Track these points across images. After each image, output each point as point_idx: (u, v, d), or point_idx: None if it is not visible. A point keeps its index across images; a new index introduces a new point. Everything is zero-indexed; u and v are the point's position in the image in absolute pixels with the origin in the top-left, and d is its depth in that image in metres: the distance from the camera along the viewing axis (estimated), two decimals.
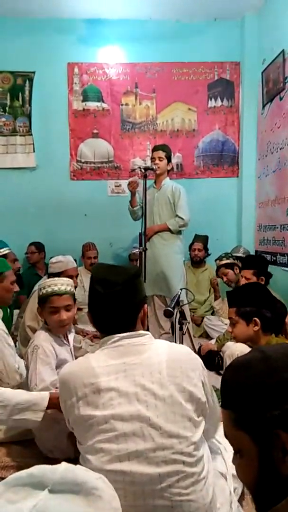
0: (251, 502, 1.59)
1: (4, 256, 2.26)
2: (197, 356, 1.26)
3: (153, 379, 1.12)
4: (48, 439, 1.85)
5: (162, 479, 1.04)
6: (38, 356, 1.80)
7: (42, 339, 1.86)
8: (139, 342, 1.19)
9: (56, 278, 1.96)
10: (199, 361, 1.23)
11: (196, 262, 4.38)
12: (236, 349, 2.79)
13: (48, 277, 2.78)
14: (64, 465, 0.57)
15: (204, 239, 4.37)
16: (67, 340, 2.04)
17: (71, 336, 2.10)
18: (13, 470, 1.81)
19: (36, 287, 3.54)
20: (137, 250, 3.29)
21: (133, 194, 3.60)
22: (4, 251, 3.26)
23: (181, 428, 1.09)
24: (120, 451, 1.06)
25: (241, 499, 1.45)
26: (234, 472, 1.39)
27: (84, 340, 3.14)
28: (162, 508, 1.04)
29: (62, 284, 1.89)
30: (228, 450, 1.42)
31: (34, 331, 2.71)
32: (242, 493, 1.48)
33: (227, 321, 3.79)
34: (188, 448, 1.08)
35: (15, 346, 2.45)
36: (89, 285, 1.27)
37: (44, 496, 0.49)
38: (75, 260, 3.05)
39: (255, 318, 1.91)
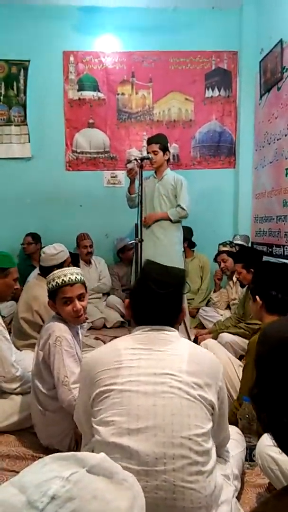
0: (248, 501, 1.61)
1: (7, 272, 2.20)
2: (219, 363, 1.28)
3: (174, 369, 1.16)
4: (54, 434, 1.86)
5: (168, 461, 1.06)
6: (63, 348, 1.75)
7: (63, 330, 1.80)
8: (166, 336, 1.25)
9: (64, 268, 1.89)
10: (220, 368, 1.25)
11: None
12: (227, 339, 2.84)
13: (47, 270, 2.74)
14: (102, 454, 0.63)
15: (184, 231, 4.35)
16: (78, 333, 2.00)
17: (80, 330, 2.08)
18: (9, 460, 1.83)
19: (30, 278, 3.55)
20: (133, 241, 3.27)
21: (132, 181, 3.57)
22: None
23: (192, 416, 1.11)
24: (130, 425, 1.09)
25: (239, 497, 1.47)
26: (236, 471, 1.42)
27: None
28: (164, 492, 1.05)
29: (72, 273, 1.83)
30: (233, 455, 1.45)
31: (28, 322, 2.71)
32: (241, 490, 1.50)
33: (223, 312, 3.84)
34: (197, 437, 1.09)
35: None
36: (139, 279, 1.34)
37: (82, 471, 0.55)
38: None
39: (257, 296, 1.92)
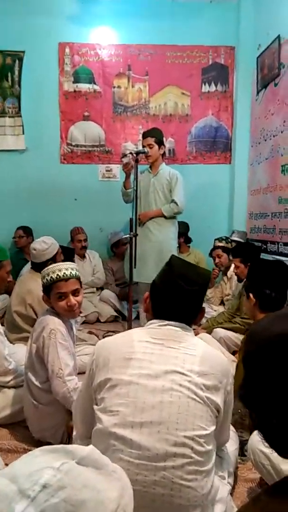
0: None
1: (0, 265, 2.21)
2: (230, 366, 1.27)
3: (185, 367, 1.15)
4: (47, 427, 1.86)
5: (168, 458, 1.06)
6: (57, 341, 1.75)
7: (57, 323, 1.80)
8: (181, 334, 1.24)
9: (60, 263, 1.88)
10: (230, 371, 1.24)
11: None
12: (221, 334, 2.85)
13: (40, 265, 2.72)
14: (91, 446, 0.63)
15: (179, 226, 4.34)
16: (72, 328, 2.00)
17: (74, 324, 2.08)
18: (1, 453, 1.83)
19: (23, 271, 3.53)
20: (128, 235, 3.25)
21: (127, 176, 3.51)
22: None
23: (198, 417, 1.10)
24: (135, 417, 1.09)
25: (231, 492, 1.47)
26: (231, 469, 1.42)
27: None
28: (161, 488, 1.05)
29: (67, 268, 1.82)
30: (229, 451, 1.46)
31: (21, 316, 2.70)
32: (233, 485, 1.51)
33: (217, 308, 3.85)
34: (200, 438, 1.09)
35: None
36: (165, 273, 1.32)
37: (72, 462, 0.56)
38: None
39: (250, 294, 1.92)
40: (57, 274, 1.79)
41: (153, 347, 1.19)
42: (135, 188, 3.30)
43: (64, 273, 1.80)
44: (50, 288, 1.81)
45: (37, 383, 1.82)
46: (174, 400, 1.10)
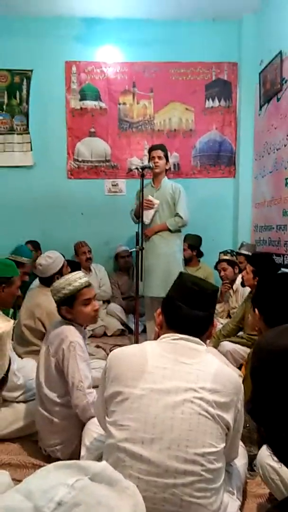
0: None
1: (22, 265, 2.29)
2: (241, 385, 1.27)
3: (197, 385, 1.14)
4: (60, 442, 1.85)
5: (178, 475, 1.05)
6: (77, 353, 1.78)
7: (76, 335, 1.83)
8: (194, 348, 1.24)
9: (74, 273, 1.92)
10: (241, 389, 1.24)
11: (185, 261, 4.36)
12: (228, 347, 2.83)
13: (48, 279, 2.77)
14: (104, 462, 0.64)
15: (192, 239, 4.36)
16: (85, 338, 2.03)
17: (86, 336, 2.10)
18: (10, 468, 1.82)
19: (33, 285, 3.56)
20: (134, 249, 3.28)
21: (143, 210, 3.43)
22: (24, 260, 3.34)
23: (208, 434, 1.10)
24: (145, 433, 1.08)
25: (241, 508, 1.46)
26: (239, 483, 1.41)
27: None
28: (170, 505, 1.05)
29: (83, 276, 1.91)
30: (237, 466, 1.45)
31: (30, 329, 2.72)
32: (242, 501, 1.50)
33: (224, 321, 3.84)
34: (210, 455, 1.09)
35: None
36: (178, 284, 1.36)
37: (85, 479, 0.57)
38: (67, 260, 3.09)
39: (256, 309, 1.92)
40: (80, 282, 1.86)
41: (166, 362, 1.18)
42: (141, 201, 3.34)
43: (86, 280, 1.90)
44: (75, 297, 1.85)
45: (53, 397, 1.82)
46: (185, 417, 1.09)
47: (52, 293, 1.90)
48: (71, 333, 1.83)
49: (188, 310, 1.28)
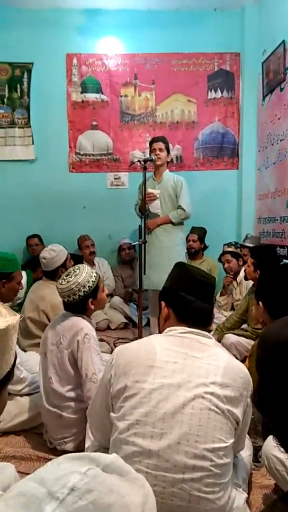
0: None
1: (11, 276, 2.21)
2: (250, 377, 1.25)
3: (208, 379, 1.13)
4: (68, 435, 1.86)
5: (187, 470, 1.05)
6: (92, 346, 1.80)
7: (90, 327, 1.86)
8: (203, 341, 1.23)
9: (78, 268, 1.92)
10: (250, 383, 1.23)
11: (192, 254, 4.35)
12: (232, 340, 2.83)
13: (52, 273, 2.77)
14: (114, 454, 0.66)
15: (200, 231, 4.36)
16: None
17: None
18: (14, 460, 1.83)
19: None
20: (137, 242, 3.27)
21: (146, 203, 3.42)
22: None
23: (218, 429, 1.09)
24: (155, 428, 1.07)
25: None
26: (245, 475, 1.41)
27: None
28: (179, 499, 1.05)
29: (86, 267, 1.96)
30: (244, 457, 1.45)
31: (34, 322, 2.72)
32: (248, 492, 1.50)
33: (227, 314, 3.83)
34: (219, 451, 1.08)
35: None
36: (179, 274, 1.36)
37: (97, 469, 0.58)
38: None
39: (260, 301, 1.91)
40: (94, 272, 1.94)
41: (175, 356, 1.17)
42: (143, 196, 3.32)
43: (95, 270, 2.01)
44: (98, 287, 1.92)
45: (64, 392, 1.82)
46: (195, 412, 1.08)
47: (73, 292, 1.83)
48: (86, 325, 1.85)
49: (199, 304, 1.28)
